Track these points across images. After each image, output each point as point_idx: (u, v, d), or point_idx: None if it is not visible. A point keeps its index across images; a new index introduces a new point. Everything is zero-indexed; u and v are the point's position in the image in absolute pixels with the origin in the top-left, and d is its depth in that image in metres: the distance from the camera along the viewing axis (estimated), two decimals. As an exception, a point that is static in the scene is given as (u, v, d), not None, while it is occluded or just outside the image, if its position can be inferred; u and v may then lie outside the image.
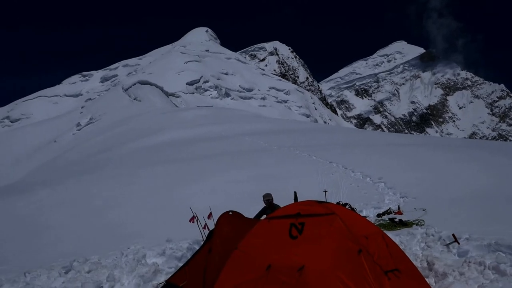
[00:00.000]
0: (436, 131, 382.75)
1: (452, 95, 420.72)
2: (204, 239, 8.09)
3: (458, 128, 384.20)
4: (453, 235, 7.69)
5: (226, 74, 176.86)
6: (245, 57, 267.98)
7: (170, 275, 7.26)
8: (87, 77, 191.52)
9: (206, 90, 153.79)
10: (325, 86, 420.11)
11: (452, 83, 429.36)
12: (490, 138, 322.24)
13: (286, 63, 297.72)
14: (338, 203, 12.58)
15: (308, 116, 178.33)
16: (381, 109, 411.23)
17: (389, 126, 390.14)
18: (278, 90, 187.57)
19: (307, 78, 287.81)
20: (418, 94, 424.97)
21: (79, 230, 14.10)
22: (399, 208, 12.55)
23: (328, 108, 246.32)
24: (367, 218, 11.02)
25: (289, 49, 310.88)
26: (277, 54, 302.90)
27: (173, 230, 11.58)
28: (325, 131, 54.56)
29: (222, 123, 61.45)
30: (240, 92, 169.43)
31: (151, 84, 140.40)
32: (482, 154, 22.98)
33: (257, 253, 5.21)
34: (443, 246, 7.65)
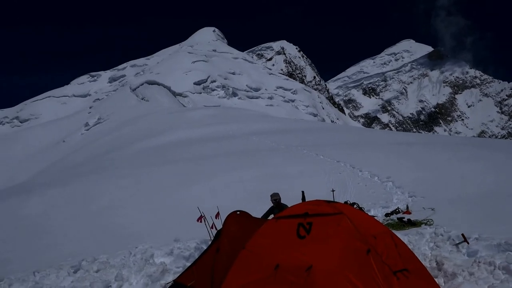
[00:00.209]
0: (445, 130, 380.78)
1: (460, 93, 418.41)
2: (212, 238, 8.09)
3: (467, 127, 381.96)
4: (463, 234, 7.63)
5: (233, 73, 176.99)
6: (252, 57, 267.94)
7: (178, 275, 7.26)
8: (95, 78, 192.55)
9: (213, 90, 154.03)
10: (332, 85, 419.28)
11: (461, 81, 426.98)
12: (499, 137, 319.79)
13: (293, 62, 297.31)
14: (346, 202, 12.52)
15: (315, 115, 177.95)
16: (389, 108, 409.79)
17: (397, 125, 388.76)
18: (285, 89, 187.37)
19: (314, 77, 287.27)
20: (426, 93, 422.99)
21: (87, 230, 14.16)
22: (407, 207, 12.48)
23: (336, 107, 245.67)
24: (375, 217, 10.96)
25: (296, 48, 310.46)
26: (284, 54, 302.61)
27: (181, 230, 11.59)
28: (333, 130, 54.43)
29: (229, 122, 61.45)
30: (247, 91, 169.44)
31: (158, 84, 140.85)
32: (490, 153, 22.79)
33: (264, 252, 5.20)
34: (452, 246, 7.60)
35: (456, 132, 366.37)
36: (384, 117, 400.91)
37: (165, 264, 8.39)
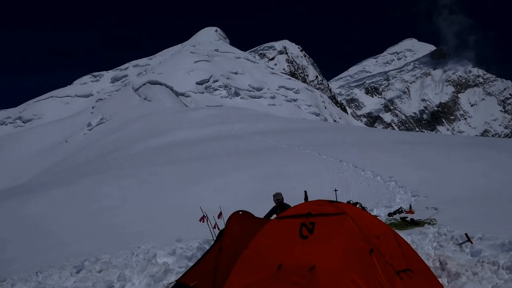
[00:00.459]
0: (448, 129, 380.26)
1: (463, 92, 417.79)
2: (214, 238, 8.09)
3: (470, 126, 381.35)
4: (466, 234, 7.61)
5: (236, 73, 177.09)
6: (255, 56, 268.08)
7: (181, 275, 7.26)
8: (97, 78, 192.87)
9: (215, 90, 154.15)
10: (334, 84, 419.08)
11: (464, 80, 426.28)
12: (502, 136, 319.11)
13: (295, 62, 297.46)
14: (348, 202, 12.50)
15: (317, 114, 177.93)
16: (392, 107, 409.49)
17: (399, 124, 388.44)
18: (287, 89, 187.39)
19: (317, 76, 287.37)
20: (429, 92, 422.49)
21: (89, 230, 14.16)
22: (410, 207, 12.45)
23: (338, 106, 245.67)
24: (378, 217, 10.94)
25: (299, 47, 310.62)
26: (287, 53, 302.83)
27: (183, 230, 11.59)
28: (335, 129, 54.38)
29: (231, 122, 61.46)
30: (250, 91, 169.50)
31: (161, 84, 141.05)
32: (494, 152, 22.72)
33: (267, 252, 5.18)
34: (456, 246, 7.58)
35: (459, 131, 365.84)
36: (387, 117, 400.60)
37: (167, 264, 8.39)
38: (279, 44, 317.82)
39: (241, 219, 6.70)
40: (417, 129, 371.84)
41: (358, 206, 12.35)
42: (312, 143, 32.52)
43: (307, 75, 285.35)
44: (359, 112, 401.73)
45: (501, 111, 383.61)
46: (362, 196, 15.07)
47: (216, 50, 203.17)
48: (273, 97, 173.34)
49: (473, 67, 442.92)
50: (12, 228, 15.50)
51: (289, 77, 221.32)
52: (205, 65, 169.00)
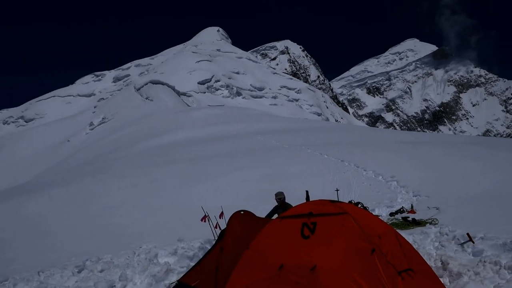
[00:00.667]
0: (449, 129, 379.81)
1: (465, 92, 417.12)
2: (216, 238, 8.08)
3: (472, 126, 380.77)
4: (468, 234, 7.59)
5: (238, 73, 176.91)
6: (256, 56, 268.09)
7: (182, 275, 7.26)
8: (99, 77, 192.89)
9: (217, 89, 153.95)
10: (336, 84, 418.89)
11: (465, 80, 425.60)
12: (504, 136, 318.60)
13: (297, 61, 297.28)
14: (350, 202, 12.49)
15: (319, 114, 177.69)
16: (393, 107, 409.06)
17: (401, 124, 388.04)
18: (289, 89, 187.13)
19: (318, 76, 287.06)
20: (431, 92, 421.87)
21: (91, 229, 14.18)
22: (412, 207, 12.44)
23: (340, 106, 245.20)
24: (379, 217, 10.93)
25: (300, 47, 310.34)
26: (288, 53, 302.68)
27: (185, 230, 11.59)
28: (337, 129, 54.35)
29: (233, 122, 61.46)
30: (252, 91, 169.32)
31: (163, 83, 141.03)
32: (496, 152, 22.70)
33: (268, 252, 5.18)
34: (458, 245, 7.57)
35: (461, 131, 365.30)
36: (389, 116, 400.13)
37: (169, 264, 8.39)
38: (281, 44, 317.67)
39: (242, 218, 6.70)
40: (418, 129, 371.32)
41: (359, 206, 12.35)
42: (313, 143, 32.50)
43: (309, 75, 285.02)
44: (360, 112, 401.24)
45: (503, 111, 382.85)
46: (364, 196, 15.06)
47: (218, 50, 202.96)
48: (275, 97, 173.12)
49: (475, 67, 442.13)
50: (13, 228, 15.54)
51: (291, 77, 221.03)
52: (207, 65, 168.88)
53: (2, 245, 12.61)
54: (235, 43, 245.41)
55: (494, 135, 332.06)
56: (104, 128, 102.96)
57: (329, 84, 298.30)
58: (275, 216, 8.38)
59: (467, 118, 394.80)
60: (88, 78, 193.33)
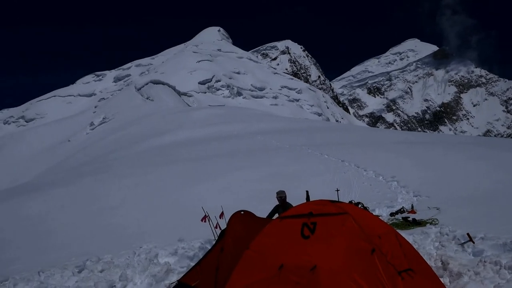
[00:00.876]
0: (450, 129, 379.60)
1: (466, 92, 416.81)
2: (216, 238, 8.08)
3: (472, 126, 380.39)
4: (468, 234, 7.59)
5: (238, 73, 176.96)
6: (257, 56, 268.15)
7: (182, 275, 7.26)
8: (100, 77, 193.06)
9: (218, 89, 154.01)
10: (337, 84, 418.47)
11: (466, 80, 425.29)
12: (505, 136, 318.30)
13: (298, 62, 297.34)
14: (350, 202, 12.49)
15: (320, 114, 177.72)
16: (394, 107, 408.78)
17: (402, 124, 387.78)
18: (290, 89, 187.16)
19: (319, 76, 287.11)
20: (432, 92, 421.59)
21: (91, 230, 14.19)
22: (412, 207, 12.44)
23: (340, 106, 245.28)
24: (380, 217, 10.93)
25: (301, 47, 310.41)
26: (289, 53, 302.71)
27: (185, 230, 11.60)
28: (337, 129, 54.37)
29: (234, 122, 61.49)
30: (252, 91, 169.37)
31: (163, 83, 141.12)
32: (496, 152, 22.69)
33: (269, 252, 5.18)
34: (458, 246, 7.56)
35: (461, 131, 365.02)
36: (389, 117, 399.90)
37: (169, 264, 8.39)
38: (281, 44, 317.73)
39: (242, 218, 6.70)
40: (419, 129, 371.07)
41: (360, 206, 12.34)
42: (314, 143, 32.51)
43: (310, 75, 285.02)
44: (361, 112, 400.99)
45: (503, 111, 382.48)
46: (364, 196, 15.06)
47: (219, 50, 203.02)
48: (275, 97, 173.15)
49: (476, 67, 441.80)
50: (14, 228, 15.56)
51: (292, 77, 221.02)
52: (207, 65, 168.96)
53: (2, 245, 12.62)
54: (235, 43, 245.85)
55: (495, 136, 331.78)
56: (105, 128, 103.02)
57: (330, 84, 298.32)
58: (276, 215, 8.39)
59: (468, 119, 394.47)
60: (89, 78, 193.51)
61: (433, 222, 10.05)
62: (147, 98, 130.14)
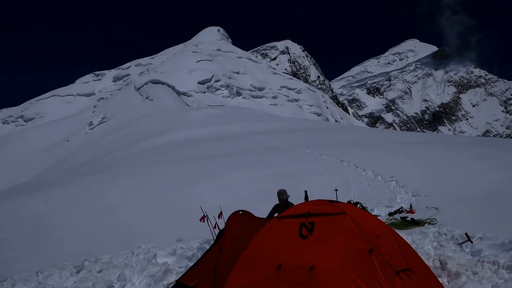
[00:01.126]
0: (449, 129, 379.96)
1: (465, 93, 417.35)
2: (215, 238, 8.08)
3: (472, 126, 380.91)
4: (466, 234, 7.60)
5: (238, 73, 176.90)
6: (257, 56, 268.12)
7: (181, 275, 7.26)
8: (99, 77, 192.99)
9: (217, 89, 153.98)
10: (336, 84, 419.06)
11: (465, 81, 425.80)
12: (504, 136, 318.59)
13: (297, 62, 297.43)
14: (349, 202, 12.49)
15: (319, 114, 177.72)
16: (393, 108, 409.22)
17: (401, 124, 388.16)
18: (289, 89, 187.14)
19: (319, 77, 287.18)
20: (431, 92, 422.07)
21: (90, 230, 14.16)
22: (411, 207, 12.44)
23: (340, 106, 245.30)
24: (378, 217, 10.93)
25: (301, 48, 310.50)
26: (289, 53, 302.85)
27: (184, 230, 11.58)
28: (336, 129, 54.36)
29: (233, 122, 61.47)
30: (252, 91, 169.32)
31: (163, 83, 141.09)
32: (494, 152, 22.68)
33: (267, 252, 5.18)
34: (456, 245, 7.57)
35: (460, 132, 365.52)
36: (388, 117, 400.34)
37: (167, 264, 8.39)
38: (281, 44, 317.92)
39: (241, 218, 6.70)
40: (418, 129, 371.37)
41: (358, 206, 12.35)
42: (313, 143, 32.50)
43: (309, 75, 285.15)
44: (360, 112, 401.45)
45: (502, 111, 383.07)
46: (363, 196, 15.04)
47: (218, 49, 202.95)
48: (275, 97, 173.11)
49: (475, 67, 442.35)
50: (13, 228, 15.52)
51: (291, 77, 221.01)
52: (207, 65, 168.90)
53: (1, 245, 12.60)
54: (235, 43, 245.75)
55: (494, 136, 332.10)
56: (104, 128, 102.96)
57: (329, 84, 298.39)
58: (276, 215, 8.28)
59: (467, 119, 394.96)
60: (88, 77, 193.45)
61: (432, 222, 10.05)
62: (146, 98, 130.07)
